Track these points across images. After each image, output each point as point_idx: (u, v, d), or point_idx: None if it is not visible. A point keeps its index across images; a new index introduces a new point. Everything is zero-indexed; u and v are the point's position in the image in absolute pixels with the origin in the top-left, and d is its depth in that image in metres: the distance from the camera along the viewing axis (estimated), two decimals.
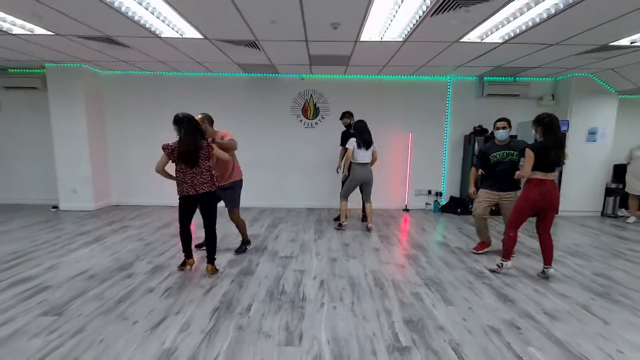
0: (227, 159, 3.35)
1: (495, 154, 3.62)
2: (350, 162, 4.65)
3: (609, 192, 6.08)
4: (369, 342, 2.12)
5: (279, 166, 6.37)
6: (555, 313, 2.53)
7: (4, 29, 3.86)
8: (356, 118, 6.24)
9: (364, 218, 5.22)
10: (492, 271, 3.34)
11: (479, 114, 6.17)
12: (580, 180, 6.00)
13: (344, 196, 4.82)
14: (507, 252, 3.31)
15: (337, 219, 5.17)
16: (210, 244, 3.22)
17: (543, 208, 3.09)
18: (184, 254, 3.26)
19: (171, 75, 6.11)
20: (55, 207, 5.97)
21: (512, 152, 3.56)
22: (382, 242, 4.31)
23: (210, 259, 3.21)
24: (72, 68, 5.56)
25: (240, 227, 3.84)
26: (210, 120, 3.52)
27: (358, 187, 4.82)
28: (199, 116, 3.41)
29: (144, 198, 6.37)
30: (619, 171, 6.13)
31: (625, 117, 6.15)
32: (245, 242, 3.92)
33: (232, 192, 3.70)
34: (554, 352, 2.05)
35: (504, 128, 3.56)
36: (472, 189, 3.87)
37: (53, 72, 5.59)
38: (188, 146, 2.95)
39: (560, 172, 5.82)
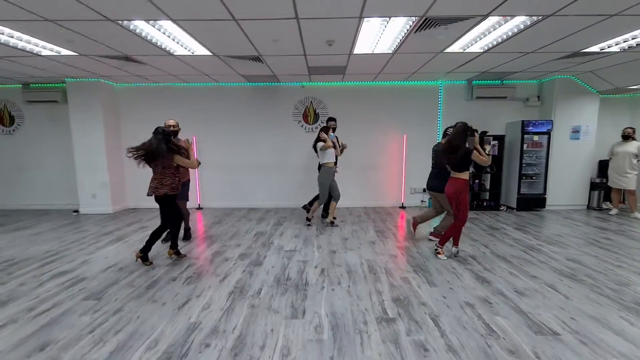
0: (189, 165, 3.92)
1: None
2: (325, 163, 5.03)
3: (593, 186, 6.44)
4: (361, 315, 2.53)
5: (282, 169, 6.80)
6: (524, 291, 2.92)
7: (35, 52, 4.33)
8: (354, 122, 6.69)
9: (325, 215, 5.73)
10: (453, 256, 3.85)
11: (469, 116, 6.54)
12: (566, 176, 6.37)
13: (326, 198, 5.18)
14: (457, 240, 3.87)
15: (324, 216, 5.69)
16: (172, 233, 3.82)
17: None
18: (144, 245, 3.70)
19: (181, 86, 6.57)
20: (76, 211, 6.44)
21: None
22: (379, 237, 4.72)
23: (173, 246, 3.83)
24: (91, 82, 6.04)
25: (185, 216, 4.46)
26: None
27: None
28: (173, 121, 4.29)
29: None
30: (604, 166, 6.48)
31: (607, 115, 6.53)
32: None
33: (185, 188, 4.39)
34: (517, 320, 2.45)
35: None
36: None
37: (73, 86, 6.07)
38: (151, 145, 3.45)
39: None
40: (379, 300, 2.78)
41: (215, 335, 2.29)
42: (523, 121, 6.10)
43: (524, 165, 6.25)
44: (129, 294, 2.93)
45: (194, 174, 6.61)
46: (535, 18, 3.31)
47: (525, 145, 6.17)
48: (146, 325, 2.42)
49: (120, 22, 3.32)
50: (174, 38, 3.85)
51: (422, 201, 6.88)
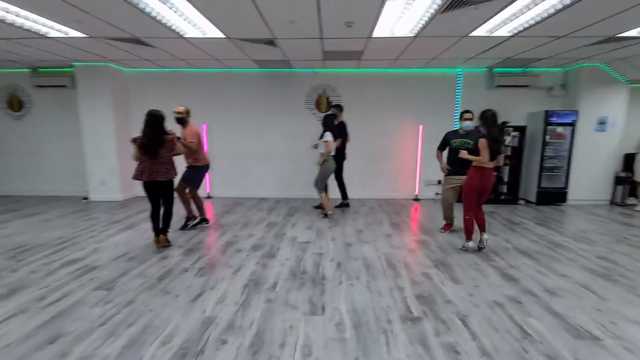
0: (184, 153, 3.96)
1: (455, 140, 4.09)
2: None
3: (618, 180, 6.16)
4: (384, 313, 2.40)
5: (293, 158, 6.63)
6: (555, 290, 2.75)
7: (42, 33, 4.18)
8: (368, 110, 6.47)
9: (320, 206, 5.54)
10: (463, 249, 3.70)
11: (489, 105, 6.08)
12: (589, 169, 6.09)
13: (323, 188, 5.07)
14: (468, 234, 3.67)
15: (319, 207, 5.55)
16: (165, 219, 3.76)
17: (482, 190, 3.56)
18: (153, 232, 3.73)
19: (191, 71, 6.39)
20: (85, 198, 6.39)
21: (468, 140, 3.96)
22: (394, 229, 4.56)
23: (164, 231, 3.77)
24: (99, 66, 5.89)
25: (185, 201, 4.39)
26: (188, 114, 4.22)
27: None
28: (181, 108, 4.18)
29: None
30: (629, 160, 6.19)
31: (636, 106, 6.18)
32: (190, 217, 4.48)
33: (193, 171, 4.33)
34: (551, 322, 2.29)
35: (470, 119, 4.02)
36: (443, 165, 4.24)
37: (82, 70, 5.94)
38: (149, 139, 3.45)
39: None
40: (401, 297, 2.64)
41: (232, 331, 2.18)
42: (546, 111, 5.82)
43: (546, 157, 5.99)
44: (140, 284, 2.83)
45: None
46: None
47: (547, 137, 5.90)
48: (159, 318, 2.32)
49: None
50: (185, 18, 3.66)
51: (436, 193, 6.68)
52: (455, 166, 4.03)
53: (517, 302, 2.56)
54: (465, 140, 4.00)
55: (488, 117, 3.46)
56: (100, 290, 2.74)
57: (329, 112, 5.51)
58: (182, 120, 4.20)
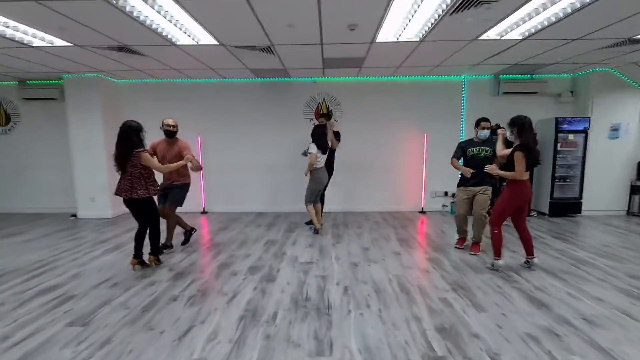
0: (159, 171, 3.46)
1: (472, 149, 3.88)
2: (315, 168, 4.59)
3: (634, 190, 5.88)
4: (402, 351, 2.05)
5: (292, 170, 6.33)
6: (594, 319, 2.42)
7: (25, 42, 3.93)
8: (370, 120, 6.22)
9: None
10: (492, 268, 3.39)
11: (495, 113, 5.97)
12: (604, 179, 5.82)
13: (311, 201, 4.72)
14: (497, 251, 3.35)
15: (309, 223, 5.14)
16: (150, 240, 3.49)
17: (521, 206, 3.30)
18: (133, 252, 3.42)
19: (186, 82, 6.16)
20: (73, 215, 6.05)
21: (487, 148, 3.80)
22: (402, 246, 4.23)
23: (152, 253, 3.52)
24: (89, 78, 5.65)
25: (171, 225, 4.02)
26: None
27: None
28: (174, 121, 3.91)
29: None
30: None
31: None
32: (166, 246, 4.02)
33: (184, 189, 3.98)
34: None
35: (488, 128, 3.82)
36: (465, 169, 3.86)
37: (71, 82, 5.69)
38: (115, 151, 3.24)
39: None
40: (420, 329, 2.30)
41: None
42: (557, 118, 5.58)
43: (557, 166, 5.71)
44: (121, 318, 2.48)
45: (197, 176, 6.18)
46: None
47: (558, 145, 5.64)
48: None
49: (114, 0, 2.89)
50: (175, 23, 3.42)
51: (443, 205, 6.37)
52: (476, 177, 3.77)
53: (553, 335, 2.22)
54: (483, 148, 3.82)
55: (524, 124, 3.09)
56: (74, 326, 2.39)
57: (317, 123, 5.23)
58: (175, 134, 3.93)
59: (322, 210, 5.04)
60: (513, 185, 3.22)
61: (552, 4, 3.02)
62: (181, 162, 3.62)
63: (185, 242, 4.19)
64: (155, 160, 3.41)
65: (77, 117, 5.78)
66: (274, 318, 2.47)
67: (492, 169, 3.33)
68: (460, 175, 4.03)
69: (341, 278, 3.21)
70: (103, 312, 2.57)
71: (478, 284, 3.05)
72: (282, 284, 3.09)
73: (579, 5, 3.03)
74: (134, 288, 3.01)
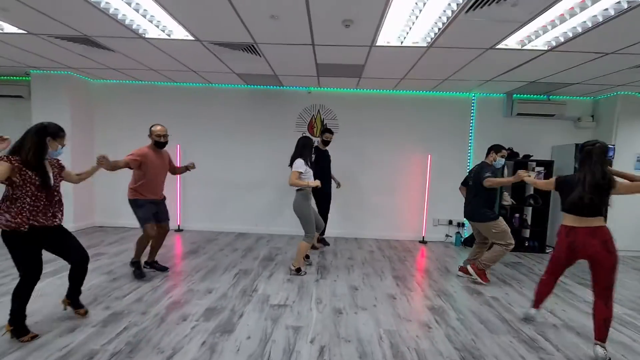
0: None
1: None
2: (299, 189, 3.67)
3: None
4: None
5: (280, 187, 5.69)
6: None
7: None
8: (368, 137, 5.63)
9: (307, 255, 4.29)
10: (526, 320, 2.83)
11: (507, 135, 5.45)
12: (630, 214, 5.15)
13: (312, 233, 3.67)
14: (536, 300, 2.78)
15: (307, 257, 4.25)
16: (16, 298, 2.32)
17: (590, 261, 2.46)
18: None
19: (167, 85, 5.62)
20: None
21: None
22: (399, 286, 3.53)
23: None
24: (58, 75, 5.11)
25: (140, 245, 3.53)
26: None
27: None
28: (162, 129, 3.36)
29: (129, 219, 5.71)
30: None
31: None
32: (134, 262, 3.51)
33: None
34: None
35: (505, 156, 3.67)
36: (509, 178, 3.36)
37: (37, 79, 5.15)
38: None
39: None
40: None
41: None
42: (577, 145, 4.96)
43: None
44: None
45: (173, 190, 5.54)
46: None
47: None
48: None
49: None
50: (138, 9, 2.86)
51: (447, 235, 5.68)
52: None
53: None
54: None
55: (594, 153, 2.32)
56: None
57: (323, 139, 4.66)
58: (164, 145, 3.46)
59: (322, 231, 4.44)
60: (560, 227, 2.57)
61: (594, 2, 2.45)
62: (94, 167, 2.80)
63: (137, 272, 3.47)
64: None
65: (43, 117, 5.09)
66: None
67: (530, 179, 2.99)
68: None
69: (318, 332, 2.50)
70: None
71: (495, 350, 2.34)
72: (240, 338, 2.38)
73: (626, 6, 2.46)
74: (48, 334, 2.31)
